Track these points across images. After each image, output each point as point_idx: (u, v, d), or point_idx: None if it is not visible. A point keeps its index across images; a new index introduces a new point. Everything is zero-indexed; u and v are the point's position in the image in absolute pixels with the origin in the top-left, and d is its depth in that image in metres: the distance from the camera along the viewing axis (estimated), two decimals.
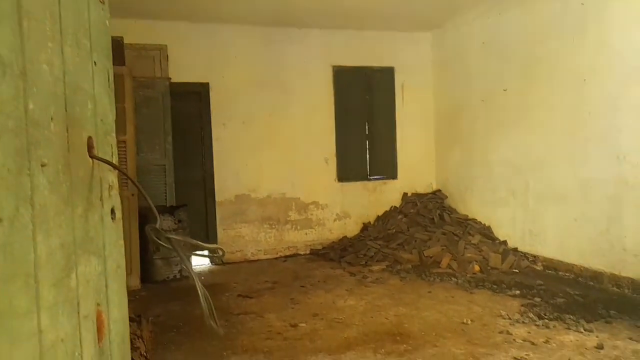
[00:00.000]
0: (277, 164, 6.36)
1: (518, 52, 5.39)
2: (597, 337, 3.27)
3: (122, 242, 1.00)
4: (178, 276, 5.32)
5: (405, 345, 3.29)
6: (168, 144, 5.74)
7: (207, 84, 6.05)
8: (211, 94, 6.06)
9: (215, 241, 6.09)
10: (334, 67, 6.57)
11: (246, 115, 6.20)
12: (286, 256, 6.28)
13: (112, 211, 0.96)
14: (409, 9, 5.90)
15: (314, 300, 4.40)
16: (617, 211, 4.27)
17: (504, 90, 5.60)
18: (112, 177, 0.99)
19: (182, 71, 5.88)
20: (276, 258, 6.22)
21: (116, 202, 0.98)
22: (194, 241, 1.05)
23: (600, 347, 3.12)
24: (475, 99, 6.15)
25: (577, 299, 4.09)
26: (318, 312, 4.06)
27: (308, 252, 6.41)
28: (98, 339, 0.83)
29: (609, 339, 3.23)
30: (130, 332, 3.63)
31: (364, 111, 6.83)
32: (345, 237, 6.56)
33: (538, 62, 5.11)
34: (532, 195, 5.30)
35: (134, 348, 3.18)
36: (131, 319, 3.72)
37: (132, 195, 5.04)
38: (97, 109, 0.99)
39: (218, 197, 6.11)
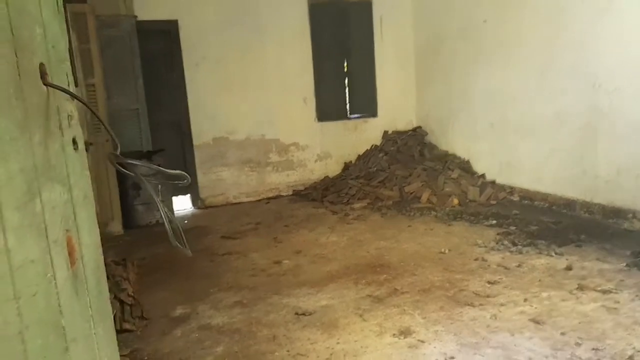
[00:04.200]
0: (254, 105, 6.22)
1: None
2: (566, 260, 3.44)
3: (87, 172, 0.98)
4: (160, 221, 5.33)
5: (385, 275, 3.42)
6: (139, 87, 5.54)
7: (176, 21, 5.74)
8: (181, 32, 5.78)
9: (196, 186, 6.06)
10: (310, 2, 6.28)
11: (219, 55, 5.97)
12: (269, 198, 6.32)
13: (74, 141, 0.93)
14: None
15: (297, 239, 4.50)
16: (591, 139, 4.36)
17: (484, 21, 5.48)
18: (71, 107, 0.95)
19: (148, 8, 5.56)
20: (259, 200, 6.26)
21: (77, 132, 0.95)
22: (156, 167, 1.03)
23: (569, 268, 3.29)
24: (455, 31, 6.01)
25: (550, 226, 4.26)
26: (301, 249, 4.15)
27: (290, 193, 6.46)
28: (70, 263, 0.83)
29: (578, 261, 3.40)
30: (117, 275, 3.68)
31: (341, 48, 6.64)
32: (327, 177, 6.60)
33: None
34: (510, 127, 5.35)
35: (121, 289, 3.23)
36: (116, 263, 3.78)
37: (107, 141, 4.92)
38: (47, 34, 0.93)
39: (195, 141, 6.01)
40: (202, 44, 5.88)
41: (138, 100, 5.58)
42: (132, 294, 3.18)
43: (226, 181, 6.18)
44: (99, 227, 4.16)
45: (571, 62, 4.46)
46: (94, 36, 4.96)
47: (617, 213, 4.17)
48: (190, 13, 5.78)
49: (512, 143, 5.35)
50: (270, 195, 6.37)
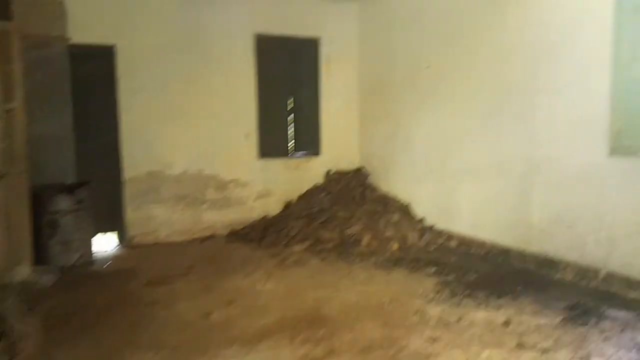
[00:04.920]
0: (194, 138, 5.92)
1: (441, 28, 5.39)
2: (504, 313, 3.41)
3: None
4: (78, 263, 4.81)
5: (323, 331, 3.20)
6: (67, 114, 5.11)
7: (113, 46, 5.41)
8: (118, 58, 5.44)
9: (122, 223, 5.59)
10: (256, 35, 6.18)
11: (158, 84, 5.65)
12: (203, 238, 5.93)
13: None
14: None
15: (231, 286, 4.19)
16: (527, 188, 4.48)
17: (427, 67, 5.61)
18: None
19: (83, 31, 5.20)
20: (192, 240, 5.86)
21: None
22: None
23: (507, 323, 3.25)
24: (399, 75, 6.13)
25: (487, 275, 4.26)
26: (234, 299, 3.85)
27: (227, 232, 6.12)
28: None
29: (516, 315, 3.37)
30: (15, 331, 3.17)
31: (287, 84, 6.56)
32: (267, 216, 6.35)
33: (460, 38, 5.15)
34: (449, 172, 5.42)
35: (15, 353, 2.78)
36: (17, 315, 3.28)
37: (21, 173, 4.42)
38: None
39: (127, 174, 5.57)
40: (140, 72, 5.56)
41: (64, 128, 5.13)
42: (30, 357, 2.74)
43: (158, 218, 5.76)
44: (4, 271, 3.57)
45: (511, 112, 4.61)
46: (17, 57, 4.52)
47: (550, 263, 4.26)
48: (128, 39, 5.47)
49: (451, 188, 5.41)
50: (206, 234, 5.99)
